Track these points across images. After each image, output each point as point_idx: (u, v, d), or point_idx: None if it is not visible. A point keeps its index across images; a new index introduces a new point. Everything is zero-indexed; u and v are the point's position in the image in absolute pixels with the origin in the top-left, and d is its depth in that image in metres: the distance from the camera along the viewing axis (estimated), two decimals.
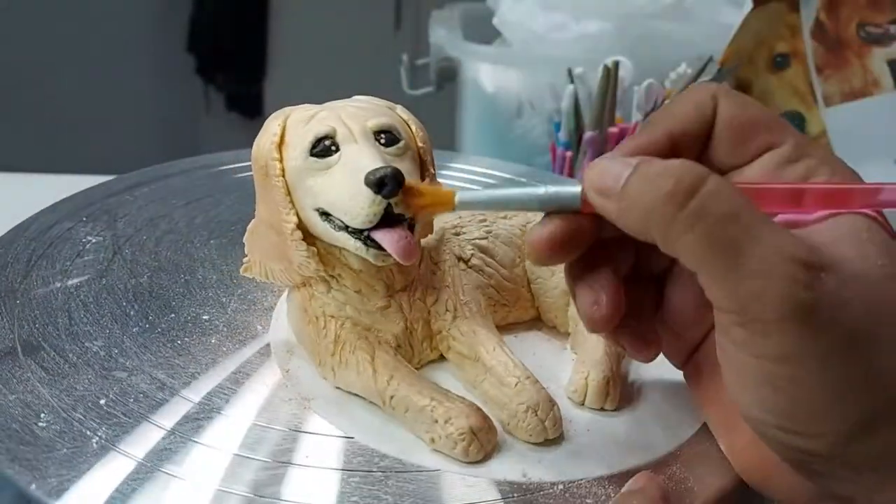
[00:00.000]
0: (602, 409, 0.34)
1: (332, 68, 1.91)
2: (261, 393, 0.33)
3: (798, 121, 0.76)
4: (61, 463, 0.29)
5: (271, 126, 0.34)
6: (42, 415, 0.31)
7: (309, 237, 0.33)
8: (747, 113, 0.27)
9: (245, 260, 0.36)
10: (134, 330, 0.37)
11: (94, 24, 1.87)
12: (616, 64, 0.70)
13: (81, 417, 0.31)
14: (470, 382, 0.34)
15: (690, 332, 0.30)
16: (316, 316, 0.34)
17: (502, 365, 0.33)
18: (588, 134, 0.69)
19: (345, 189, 0.31)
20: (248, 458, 0.30)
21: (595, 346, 0.36)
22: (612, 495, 0.29)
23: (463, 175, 0.56)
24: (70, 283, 0.40)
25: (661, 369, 0.35)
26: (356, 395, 0.33)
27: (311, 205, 0.32)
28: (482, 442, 0.30)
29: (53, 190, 0.49)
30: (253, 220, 0.36)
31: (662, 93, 0.70)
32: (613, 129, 0.70)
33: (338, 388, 0.34)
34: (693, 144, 0.27)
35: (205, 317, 0.38)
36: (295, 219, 0.33)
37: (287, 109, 0.35)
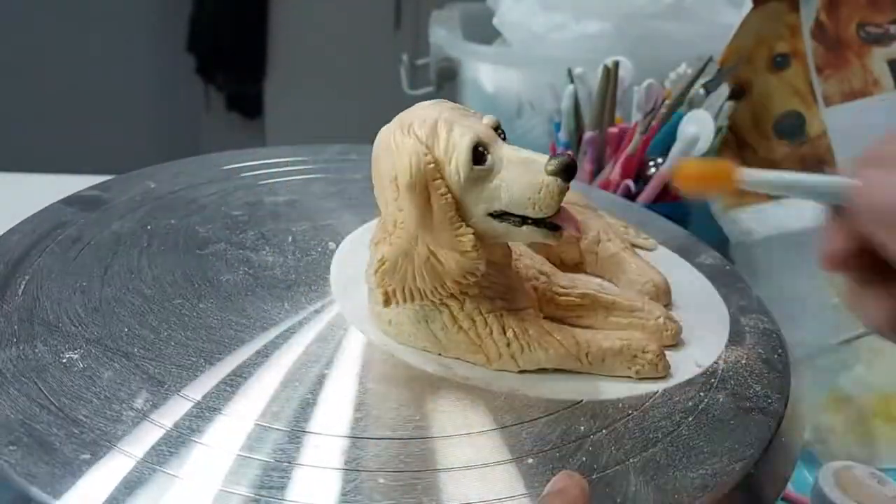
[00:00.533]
0: (666, 306, 0.40)
1: (332, 68, 1.91)
2: (261, 393, 0.33)
3: (798, 121, 0.76)
4: (62, 463, 0.29)
5: (410, 146, 0.33)
6: (71, 436, 0.30)
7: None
8: None
9: (381, 294, 0.35)
10: (151, 338, 0.36)
11: (94, 23, 1.87)
12: (616, 64, 0.70)
13: (114, 436, 0.31)
14: (590, 324, 0.38)
15: None
16: (471, 318, 0.35)
17: (621, 296, 0.39)
18: (588, 134, 0.69)
19: (525, 185, 0.33)
20: (248, 458, 0.30)
21: (637, 260, 0.43)
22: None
23: None
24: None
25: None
26: (541, 370, 0.36)
27: (486, 210, 0.33)
28: (665, 357, 0.36)
29: (53, 190, 0.48)
30: (385, 253, 0.34)
31: (662, 93, 0.70)
32: (613, 129, 0.70)
33: (523, 371, 0.36)
34: None
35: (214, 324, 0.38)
36: (472, 231, 0.33)
37: (399, 127, 0.34)
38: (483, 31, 0.86)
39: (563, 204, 0.33)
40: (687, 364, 0.37)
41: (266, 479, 0.29)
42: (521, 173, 0.33)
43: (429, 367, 0.36)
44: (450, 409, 0.33)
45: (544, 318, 0.37)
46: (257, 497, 0.28)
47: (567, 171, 0.32)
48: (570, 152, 0.32)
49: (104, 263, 0.41)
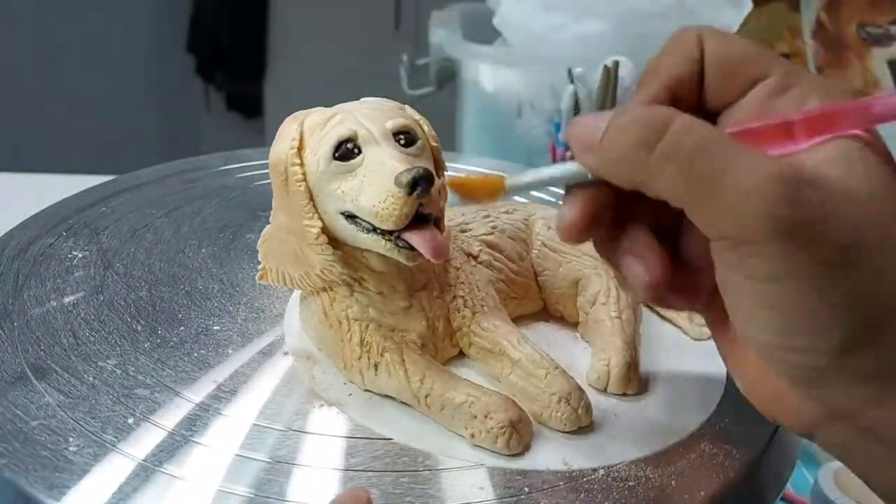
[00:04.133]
0: (624, 395, 0.35)
1: (332, 68, 1.91)
2: (261, 393, 0.33)
3: None
4: (62, 463, 0.29)
5: (288, 131, 0.33)
6: (70, 438, 0.30)
7: (331, 241, 0.33)
8: (731, 48, 0.27)
9: (260, 267, 0.36)
10: (146, 346, 0.36)
11: (94, 24, 1.87)
12: (616, 64, 0.70)
13: (113, 440, 0.30)
14: (494, 377, 0.34)
15: (706, 276, 0.30)
16: (338, 320, 0.34)
17: (529, 357, 0.34)
18: None
19: (374, 191, 0.31)
20: (248, 458, 0.30)
21: (612, 334, 0.36)
22: (651, 476, 0.31)
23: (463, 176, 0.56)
24: (66, 300, 0.38)
25: (670, 354, 0.36)
26: (386, 396, 0.33)
27: (337, 208, 0.32)
28: (522, 433, 0.31)
29: (53, 190, 0.49)
30: (267, 228, 0.35)
31: None
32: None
33: (367, 390, 0.34)
34: (690, 90, 0.28)
35: (215, 327, 0.37)
36: (319, 223, 0.33)
37: (300, 114, 0.34)
38: (483, 31, 0.86)
39: (431, 223, 0.31)
40: (555, 456, 0.31)
41: (266, 479, 0.29)
42: (375, 178, 0.31)
43: (297, 349, 0.36)
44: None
45: (459, 352, 0.36)
46: (257, 497, 0.28)
47: (414, 185, 0.30)
48: (426, 166, 0.31)
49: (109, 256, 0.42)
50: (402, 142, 0.33)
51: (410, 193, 0.30)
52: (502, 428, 0.31)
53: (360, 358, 0.34)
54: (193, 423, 0.31)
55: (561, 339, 0.39)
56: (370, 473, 0.30)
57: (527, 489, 0.30)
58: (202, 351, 0.36)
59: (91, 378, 0.33)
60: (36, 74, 1.86)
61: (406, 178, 0.30)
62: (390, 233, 0.31)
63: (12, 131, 1.73)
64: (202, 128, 2.07)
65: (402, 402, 0.33)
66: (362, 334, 0.34)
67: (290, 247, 0.34)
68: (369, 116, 0.33)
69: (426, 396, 0.32)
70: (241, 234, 0.45)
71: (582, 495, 0.30)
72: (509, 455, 0.31)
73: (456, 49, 0.86)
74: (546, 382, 0.33)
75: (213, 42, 1.99)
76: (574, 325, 0.39)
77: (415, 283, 0.35)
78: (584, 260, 0.40)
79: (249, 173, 0.52)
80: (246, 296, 0.40)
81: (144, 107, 1.99)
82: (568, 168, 0.28)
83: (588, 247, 0.40)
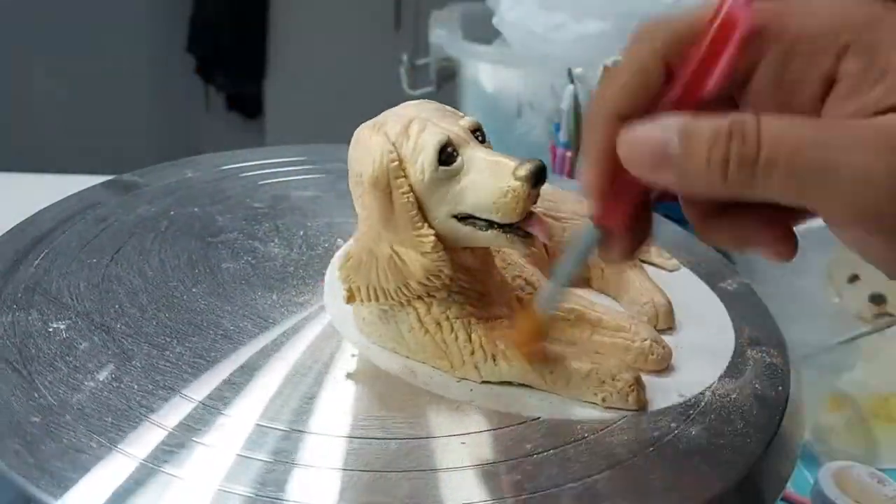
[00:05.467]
0: (668, 329, 0.39)
1: (332, 68, 1.91)
2: (261, 393, 0.33)
3: None
4: (62, 463, 0.29)
5: (378, 145, 0.33)
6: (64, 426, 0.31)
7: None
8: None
9: (345, 288, 0.35)
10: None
11: (94, 23, 1.87)
12: (616, 64, 0.70)
13: (113, 439, 0.31)
14: (573, 341, 0.36)
15: None
16: (437, 323, 0.35)
17: (608, 315, 0.37)
18: None
19: (492, 188, 0.32)
20: (248, 458, 0.30)
21: (640, 280, 0.41)
22: (730, 392, 0.36)
23: None
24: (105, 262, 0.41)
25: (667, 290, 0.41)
26: (503, 383, 0.35)
27: (449, 212, 0.33)
28: (643, 388, 0.34)
29: (53, 190, 0.48)
30: (351, 248, 0.35)
31: None
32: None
33: (484, 382, 0.35)
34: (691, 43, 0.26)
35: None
36: (432, 231, 0.33)
37: (373, 125, 0.34)
38: (483, 31, 0.86)
39: (534, 209, 0.33)
40: (668, 393, 0.35)
41: (266, 479, 0.29)
42: (489, 176, 0.32)
43: (393, 367, 0.36)
44: (399, 413, 0.33)
45: None
46: (257, 497, 0.28)
47: (535, 177, 0.31)
48: (540, 160, 0.32)
49: (118, 243, 0.43)
50: (480, 139, 0.34)
51: (534, 186, 0.32)
52: (631, 386, 0.34)
53: (473, 353, 0.35)
54: (193, 423, 0.31)
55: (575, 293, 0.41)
56: (370, 473, 0.30)
57: (674, 425, 0.33)
58: (204, 344, 0.36)
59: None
60: (35, 74, 1.86)
61: (526, 172, 0.31)
62: (509, 226, 0.32)
63: (12, 131, 1.73)
64: (202, 128, 2.07)
65: (520, 387, 0.35)
66: (468, 331, 0.35)
67: (386, 262, 0.34)
68: (441, 118, 0.34)
69: (550, 372, 0.34)
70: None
71: (710, 417, 0.34)
72: (638, 409, 0.34)
73: (456, 49, 0.86)
74: (634, 332, 0.36)
75: (213, 42, 1.99)
76: (577, 284, 0.41)
77: (493, 275, 0.36)
78: (584, 220, 0.41)
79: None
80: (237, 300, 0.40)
81: (144, 107, 1.99)
82: (587, 238, 0.29)
83: (580, 209, 0.42)
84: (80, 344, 0.35)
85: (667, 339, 0.38)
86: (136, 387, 0.33)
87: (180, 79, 2.02)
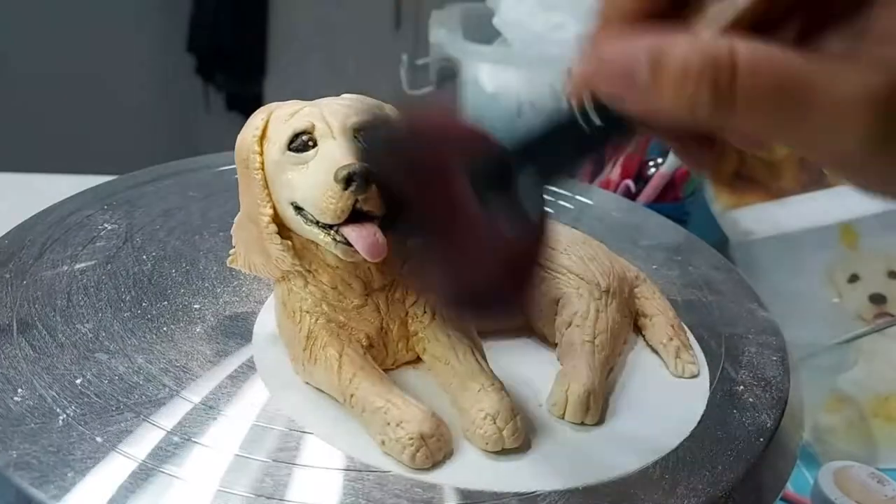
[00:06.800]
0: (582, 424, 0.33)
1: (332, 68, 1.91)
2: (261, 393, 0.34)
3: None
4: (62, 463, 0.29)
5: (254, 120, 0.34)
6: (19, 390, 0.32)
7: (286, 231, 0.34)
8: None
9: (231, 251, 0.37)
10: (125, 315, 0.38)
11: (94, 23, 1.87)
12: None
13: (56, 396, 0.32)
14: (442, 386, 0.34)
15: None
16: (293, 310, 0.34)
17: (468, 370, 0.33)
18: None
19: (316, 184, 0.31)
20: (248, 458, 0.30)
21: (580, 358, 0.35)
22: None
23: None
24: (77, 266, 0.41)
25: (647, 386, 0.36)
26: (322, 392, 0.34)
27: (287, 198, 0.33)
28: (431, 450, 0.30)
29: (53, 190, 0.49)
30: (238, 214, 0.36)
31: None
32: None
33: (306, 383, 0.34)
34: None
35: (195, 306, 0.39)
36: (270, 211, 0.33)
37: (272, 105, 0.35)
38: (483, 31, 0.86)
39: (373, 221, 0.31)
40: (465, 475, 0.30)
41: (266, 480, 0.29)
42: (318, 171, 0.31)
43: (261, 350, 0.36)
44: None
45: (418, 358, 0.35)
46: (257, 497, 0.28)
47: (348, 180, 0.30)
48: (365, 164, 0.31)
49: (118, 244, 0.43)
50: (357, 139, 0.33)
51: (346, 188, 0.30)
52: (410, 439, 0.30)
53: (304, 349, 0.34)
54: (193, 423, 0.31)
55: (538, 358, 0.37)
56: (370, 473, 0.30)
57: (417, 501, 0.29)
58: (172, 326, 0.37)
59: (63, 337, 0.36)
60: (35, 74, 1.86)
61: (342, 174, 0.30)
62: (330, 226, 0.32)
63: (12, 131, 1.73)
64: (202, 128, 2.07)
65: (336, 402, 0.33)
66: (311, 326, 0.34)
67: (252, 233, 0.35)
68: (335, 111, 0.33)
69: (351, 396, 0.32)
70: None
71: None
72: (415, 469, 0.30)
73: (456, 49, 0.86)
74: (476, 397, 0.32)
75: (213, 42, 1.99)
76: (553, 345, 0.38)
77: (373, 282, 0.34)
78: (567, 278, 0.38)
79: None
80: (237, 280, 0.41)
81: (144, 107, 1.99)
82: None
83: (572, 264, 0.39)
84: (81, 344, 0.36)
85: (575, 433, 0.33)
86: (135, 387, 0.33)
87: (180, 79, 2.02)
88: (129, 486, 0.28)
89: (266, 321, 0.37)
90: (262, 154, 0.33)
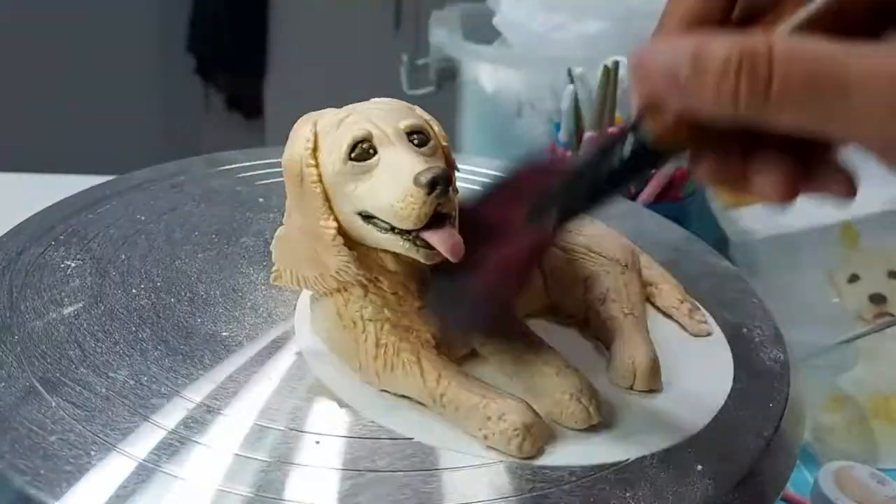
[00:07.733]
0: (649, 392, 0.35)
1: (332, 68, 1.91)
2: (261, 393, 0.33)
3: None
4: (62, 463, 0.29)
5: (302, 132, 0.34)
6: (92, 452, 0.30)
7: (347, 242, 0.33)
8: None
9: (273, 269, 0.36)
10: (155, 354, 0.35)
11: (94, 23, 1.87)
12: (616, 64, 0.70)
13: (114, 440, 0.31)
14: (507, 375, 0.34)
15: None
16: (353, 321, 0.34)
17: (538, 356, 0.34)
18: (588, 134, 0.69)
19: (393, 191, 0.31)
20: (248, 458, 0.30)
21: (630, 330, 0.37)
22: (662, 475, 0.31)
23: (463, 175, 0.56)
24: (66, 311, 0.38)
25: (676, 351, 0.38)
26: (401, 396, 0.33)
27: (353, 209, 0.32)
28: (535, 437, 0.31)
29: (53, 190, 0.48)
30: (281, 229, 0.36)
31: None
32: (613, 130, 0.70)
33: (383, 390, 0.34)
34: None
35: (224, 333, 0.37)
36: (335, 224, 0.33)
37: (313, 115, 0.34)
38: (483, 31, 0.86)
39: (449, 222, 0.31)
40: (570, 455, 0.31)
41: (266, 480, 0.29)
42: (391, 178, 0.31)
43: (314, 364, 0.35)
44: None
45: (473, 351, 0.35)
46: (257, 497, 0.28)
47: (433, 184, 0.30)
48: (443, 166, 0.31)
49: (117, 245, 0.42)
50: (416, 142, 0.33)
51: (430, 193, 0.30)
52: (515, 430, 0.31)
53: (376, 358, 0.34)
54: (193, 423, 0.31)
55: (565, 337, 0.39)
56: (370, 474, 0.30)
57: (540, 486, 0.30)
58: (212, 357, 0.35)
59: (104, 390, 0.33)
60: (35, 74, 1.86)
61: (425, 178, 0.30)
62: (408, 232, 0.31)
63: (12, 131, 1.73)
64: (202, 128, 2.07)
65: (417, 403, 0.33)
66: (377, 335, 0.34)
67: (305, 248, 0.34)
68: (382, 117, 0.33)
69: (442, 396, 0.32)
70: (236, 238, 0.45)
71: (596, 490, 0.30)
72: (522, 458, 0.31)
73: (456, 49, 0.86)
74: (557, 379, 0.33)
75: (213, 42, 1.99)
76: (575, 324, 0.39)
77: (429, 282, 0.34)
78: (592, 257, 0.40)
79: (239, 175, 0.52)
80: (250, 300, 0.39)
81: (144, 107, 1.99)
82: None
83: (591, 244, 0.41)
84: (80, 344, 0.35)
85: (637, 400, 0.35)
86: (135, 387, 0.33)
87: (180, 79, 2.02)
88: (129, 486, 0.28)
89: (303, 335, 0.37)
90: (318, 166, 0.33)
